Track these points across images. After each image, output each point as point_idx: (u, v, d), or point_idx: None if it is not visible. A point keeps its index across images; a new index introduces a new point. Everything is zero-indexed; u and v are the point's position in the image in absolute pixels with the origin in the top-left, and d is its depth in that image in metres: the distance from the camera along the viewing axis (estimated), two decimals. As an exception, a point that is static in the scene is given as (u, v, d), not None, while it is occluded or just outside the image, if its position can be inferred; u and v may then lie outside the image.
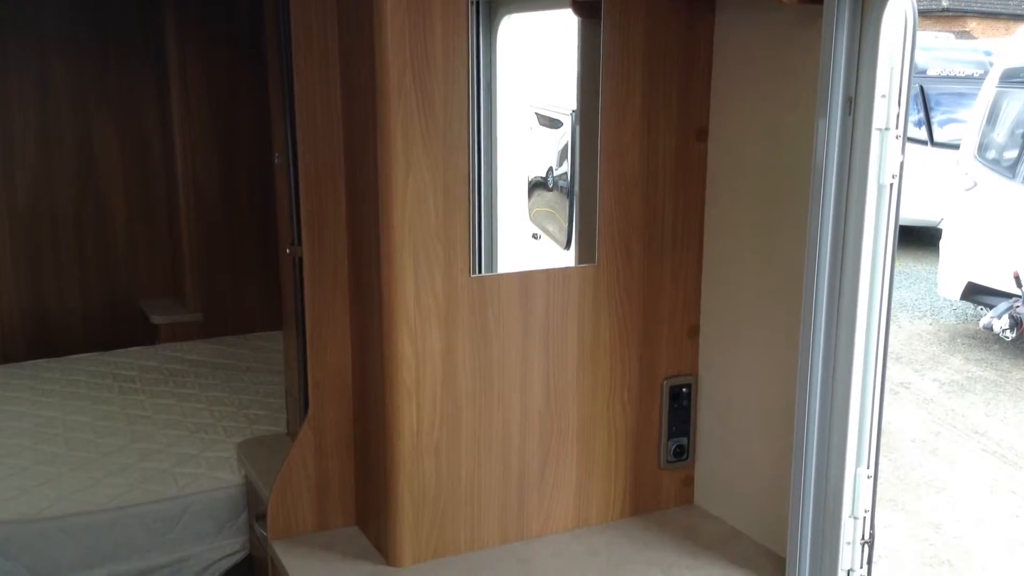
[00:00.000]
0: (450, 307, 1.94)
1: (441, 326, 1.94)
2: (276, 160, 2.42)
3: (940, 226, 7.68)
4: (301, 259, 2.10)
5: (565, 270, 2.04)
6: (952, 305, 7.93)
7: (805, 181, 1.78)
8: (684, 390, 2.19)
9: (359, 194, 2.01)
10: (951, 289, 7.22)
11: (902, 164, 1.70)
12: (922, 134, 9.47)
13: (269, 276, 4.06)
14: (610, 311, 2.08)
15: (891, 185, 1.70)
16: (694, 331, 2.18)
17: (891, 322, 1.78)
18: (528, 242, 2.16)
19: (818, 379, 1.80)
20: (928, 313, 7.89)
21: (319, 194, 2.06)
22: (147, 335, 4.14)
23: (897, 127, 1.67)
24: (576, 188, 2.01)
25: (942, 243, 7.37)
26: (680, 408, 2.19)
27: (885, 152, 1.67)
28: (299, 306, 2.19)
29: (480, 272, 1.96)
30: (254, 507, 2.52)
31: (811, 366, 1.79)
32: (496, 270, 1.98)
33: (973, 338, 7.26)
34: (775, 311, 1.97)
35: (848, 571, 1.83)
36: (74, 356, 3.74)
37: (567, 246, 2.06)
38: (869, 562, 1.84)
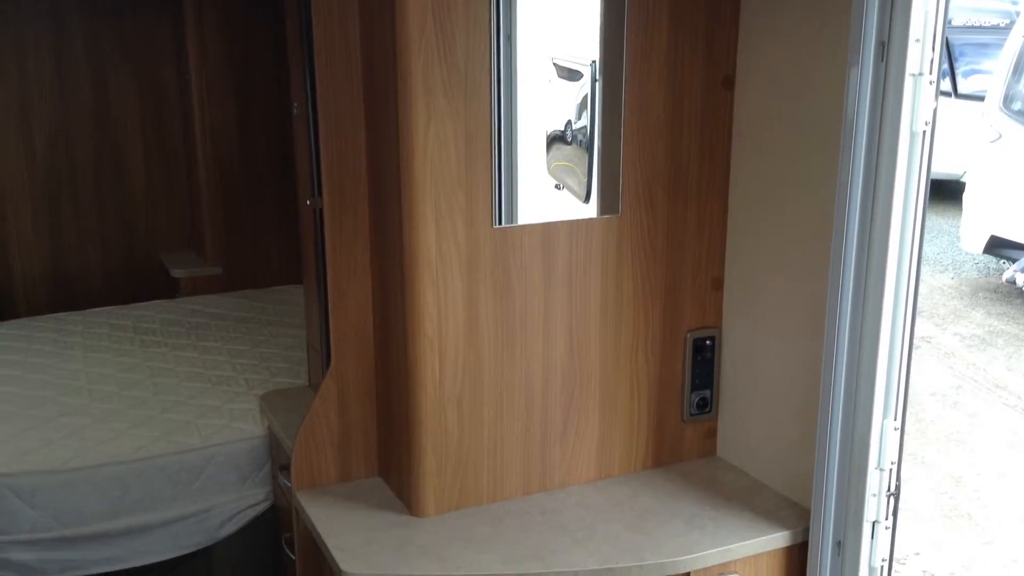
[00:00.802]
0: (472, 258, 1.92)
1: (463, 277, 1.92)
2: (295, 111, 2.39)
3: (963, 179, 7.57)
4: (321, 210, 2.08)
5: (588, 221, 2.02)
6: (974, 259, 7.85)
7: (835, 129, 1.74)
8: (708, 343, 2.17)
9: (379, 144, 1.98)
10: (974, 243, 7.13)
11: (935, 111, 1.66)
12: (946, 85, 9.29)
13: (289, 229, 4.06)
14: (633, 263, 2.06)
15: (924, 133, 1.66)
16: (718, 283, 2.16)
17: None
18: (550, 194, 2.13)
19: (846, 330, 1.77)
20: (950, 267, 7.82)
21: (339, 144, 2.04)
22: (168, 289, 4.15)
23: (931, 72, 1.63)
24: (597, 140, 1.97)
25: (965, 196, 7.27)
26: (703, 361, 2.18)
27: (918, 99, 1.63)
28: (320, 258, 2.18)
29: (502, 223, 1.94)
30: (277, 458, 2.54)
31: (839, 317, 1.77)
32: (518, 221, 1.95)
33: (995, 292, 7.19)
34: (802, 263, 1.95)
35: (873, 523, 1.82)
36: (96, 310, 3.76)
37: (586, 200, 2.03)
38: (894, 513, 1.83)
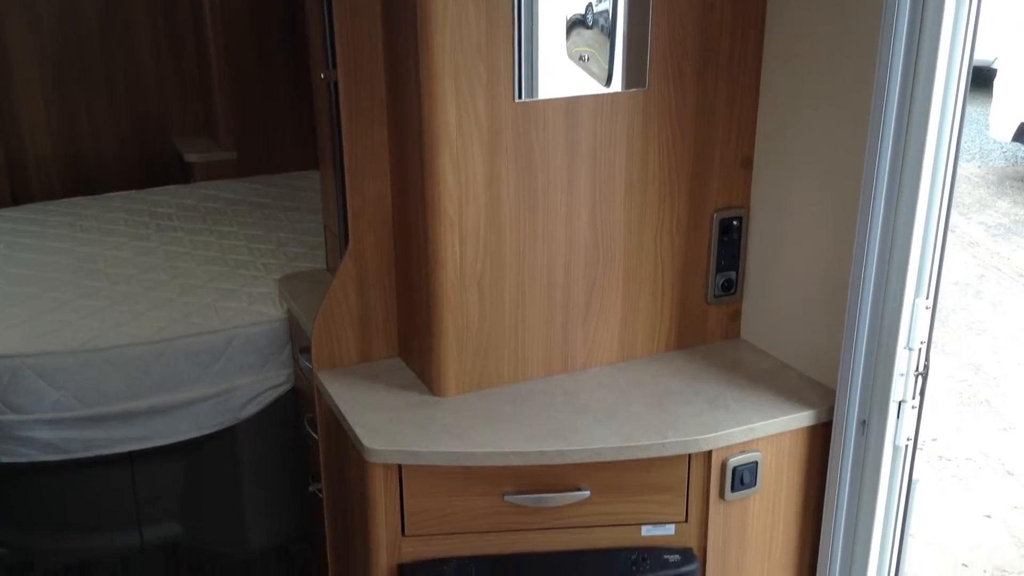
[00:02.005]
0: (493, 133, 1.86)
1: (484, 153, 1.86)
2: (307, -19, 2.29)
3: (994, 65, 7.34)
4: (336, 84, 2.01)
5: (613, 95, 1.94)
6: (1002, 147, 7.69)
7: (875, 6, 1.65)
8: (735, 223, 2.12)
9: (396, 11, 1.90)
10: (1002, 130, 6.96)
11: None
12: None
13: (302, 113, 3.97)
14: (660, 139, 1.99)
15: (968, 14, 1.57)
16: (747, 162, 2.09)
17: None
18: (574, 69, 2.05)
19: (880, 207, 1.72)
20: (977, 156, 7.66)
21: (353, 13, 1.95)
22: (182, 174, 4.10)
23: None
24: (622, 18, 1.88)
25: (996, 82, 7.06)
26: (730, 242, 2.13)
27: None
28: (335, 134, 2.12)
29: (524, 96, 1.86)
30: (297, 341, 2.53)
31: (874, 194, 1.71)
32: (541, 95, 1.88)
33: (1022, 181, 7.06)
34: (836, 141, 1.88)
35: (900, 402, 1.80)
36: (111, 194, 3.72)
37: (607, 84, 1.95)
38: (922, 393, 1.81)
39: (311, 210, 3.42)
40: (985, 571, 3.06)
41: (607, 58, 1.91)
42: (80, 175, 4.21)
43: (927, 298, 1.74)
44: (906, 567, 2.09)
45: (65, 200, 3.67)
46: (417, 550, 1.93)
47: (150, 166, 4.27)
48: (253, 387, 2.62)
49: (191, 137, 4.31)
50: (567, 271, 2.02)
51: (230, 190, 3.75)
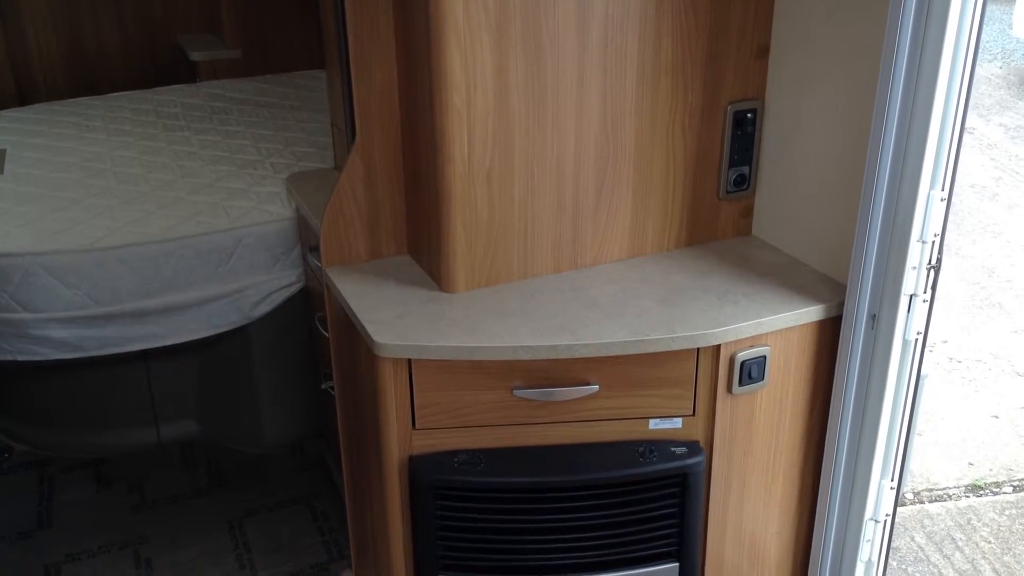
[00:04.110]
0: (501, 21, 1.81)
1: (492, 43, 1.82)
2: None
3: (1022, -39, 7.10)
4: (341, -28, 1.95)
5: (626, -19, 1.88)
6: (1026, 47, 7.49)
7: None
8: (749, 115, 2.07)
9: None
10: (1027, 29, 6.77)
11: None
12: None
13: (308, 10, 3.89)
14: (673, 27, 1.94)
15: None
16: (764, 51, 2.04)
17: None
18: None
19: (897, 97, 1.67)
20: (999, 56, 7.47)
21: None
22: (187, 72, 4.04)
23: None
24: None
25: (1023, -21, 6.84)
26: (744, 135, 2.09)
27: None
28: (340, 22, 2.07)
29: (534, -17, 1.81)
30: (307, 240, 2.53)
31: (891, 84, 1.66)
32: (551, -19, 1.82)
33: (1046, 82, 6.89)
34: (854, 31, 1.82)
35: (911, 296, 1.79)
36: (116, 94, 3.67)
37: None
38: (933, 287, 1.80)
39: (318, 110, 3.37)
40: (991, 470, 3.09)
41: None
42: (85, 75, 4.15)
43: (942, 189, 1.71)
44: (911, 464, 2.11)
45: (71, 100, 3.63)
46: (427, 443, 1.95)
47: (155, 65, 4.20)
48: (264, 286, 2.62)
49: (196, 34, 4.23)
50: (577, 165, 1.99)
51: (236, 89, 3.69)
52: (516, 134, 1.91)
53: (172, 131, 3.26)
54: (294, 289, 2.66)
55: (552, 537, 1.99)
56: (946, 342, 3.80)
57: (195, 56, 3.99)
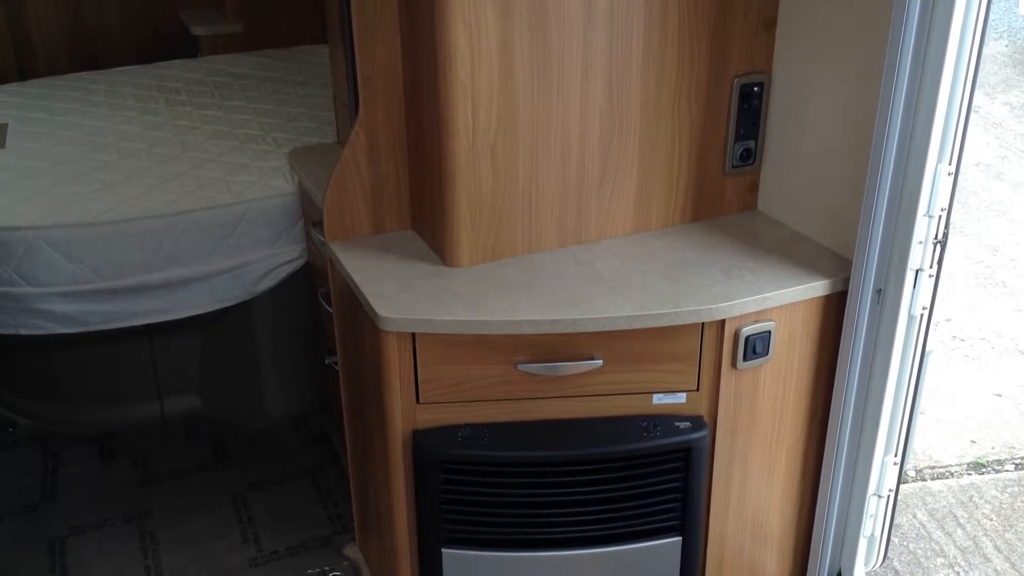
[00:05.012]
0: (507, -7, 1.79)
1: (497, 14, 1.80)
2: None
3: (1030, -63, 7.04)
4: (344, -57, 1.94)
5: (632, -47, 1.86)
6: (1033, 26, 7.44)
7: None
8: (755, 89, 2.06)
9: None
10: (1034, 7, 6.72)
11: None
12: None
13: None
14: (680, -1, 1.92)
15: None
16: (771, 23, 2.02)
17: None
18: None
19: (906, 68, 1.66)
20: (1005, 34, 7.42)
21: None
22: (189, 47, 4.02)
23: None
24: None
25: (1031, -44, 6.78)
26: (750, 109, 2.07)
27: None
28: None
29: (539, -46, 1.79)
30: (310, 215, 2.52)
31: (900, 59, 1.65)
32: (557, -48, 1.80)
33: (1052, 60, 6.85)
34: (863, 5, 1.80)
35: (917, 270, 1.78)
36: (118, 69, 3.66)
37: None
38: (939, 262, 1.79)
39: (320, 84, 3.36)
40: (993, 447, 3.09)
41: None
42: (86, 49, 4.13)
43: (950, 163, 1.70)
44: (914, 442, 2.11)
45: (73, 75, 3.62)
46: (431, 417, 1.95)
47: (156, 40, 4.18)
48: (267, 261, 2.62)
49: (198, 8, 4.20)
50: (582, 139, 1.98)
51: (238, 64, 3.67)
52: (521, 108, 1.90)
53: (174, 106, 3.24)
54: (297, 264, 2.66)
55: (555, 511, 1.99)
56: (949, 320, 3.79)
57: (197, 31, 3.96)
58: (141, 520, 2.74)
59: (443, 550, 2.03)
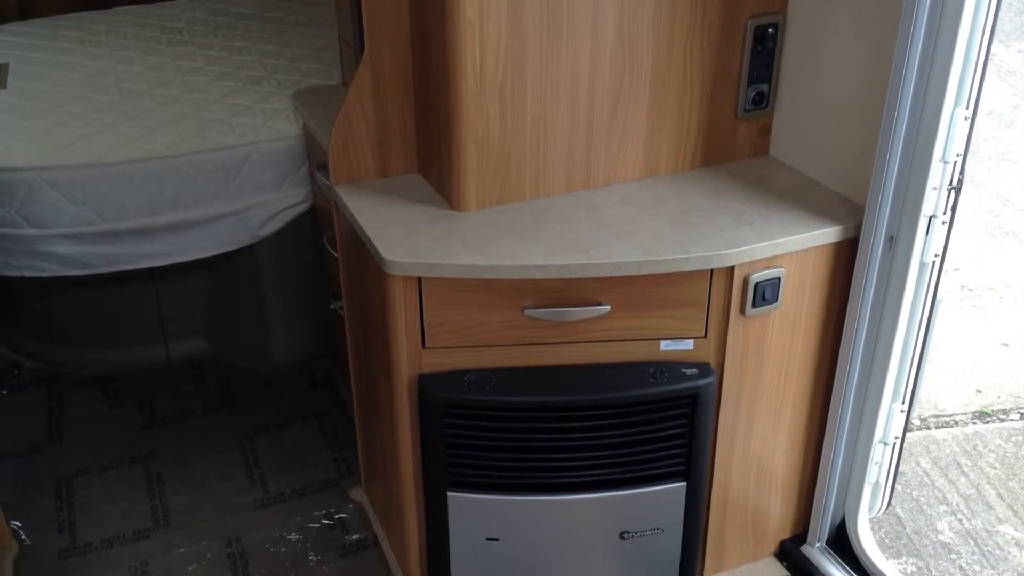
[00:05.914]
0: (517, -72, 1.74)
1: (507, -49, 1.76)
2: None
3: None
4: None
5: None
6: (1050, -29, 7.28)
7: None
8: (770, 31, 2.01)
9: None
10: (1053, -48, 6.58)
11: None
12: None
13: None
14: (694, -63, 1.87)
15: None
16: (786, -37, 1.97)
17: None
18: None
19: (924, 14, 1.62)
20: (1022, -20, 7.27)
21: None
22: (191, -13, 3.94)
23: None
24: None
25: (1051, -102, 6.62)
26: (764, 51, 2.03)
27: None
28: (350, -67, 2.01)
29: None
30: (314, 158, 2.49)
31: (918, 1, 1.61)
32: None
33: (1069, 7, 6.72)
34: (882, -65, 1.75)
35: (930, 217, 1.76)
36: (120, 8, 3.59)
37: None
38: (953, 208, 1.77)
39: (325, 25, 3.30)
40: (999, 397, 3.09)
41: None
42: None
43: (967, 108, 1.67)
44: (921, 391, 2.10)
45: (74, 15, 3.55)
46: (437, 361, 1.95)
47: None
48: (271, 205, 2.59)
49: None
50: (592, 82, 1.94)
51: (242, 4, 3.61)
52: (530, 49, 1.86)
53: (176, 46, 3.19)
54: (302, 208, 2.63)
55: (561, 456, 2.00)
56: (958, 270, 3.77)
57: (199, -31, 3.89)
58: (147, 462, 2.75)
59: (448, 493, 2.03)
